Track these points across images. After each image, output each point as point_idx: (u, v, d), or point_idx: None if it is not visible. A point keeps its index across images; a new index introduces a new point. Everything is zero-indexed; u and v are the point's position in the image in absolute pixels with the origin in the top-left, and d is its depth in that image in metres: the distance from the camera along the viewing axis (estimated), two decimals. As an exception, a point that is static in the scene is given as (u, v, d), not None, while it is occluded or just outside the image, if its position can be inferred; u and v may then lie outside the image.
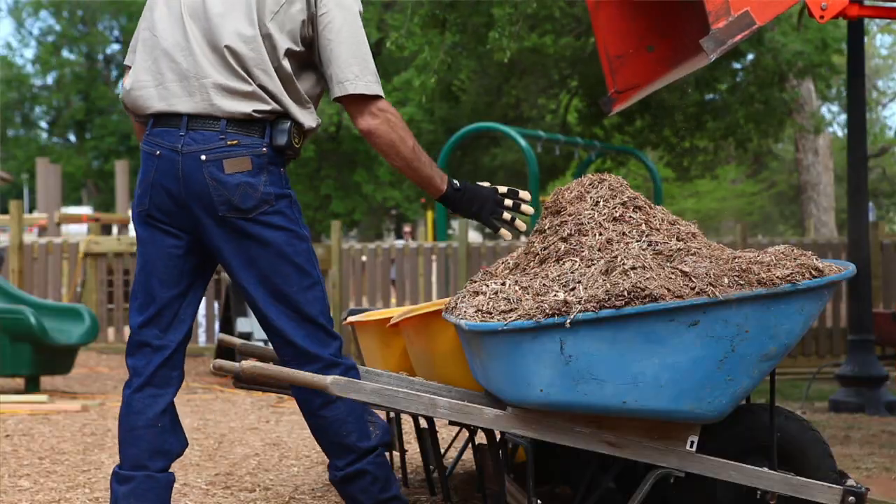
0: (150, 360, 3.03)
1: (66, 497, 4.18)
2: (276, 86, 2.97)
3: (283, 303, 3.00)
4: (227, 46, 2.95)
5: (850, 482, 3.08)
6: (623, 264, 2.90)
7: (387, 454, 3.31)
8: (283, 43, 2.97)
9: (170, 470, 3.06)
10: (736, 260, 2.94)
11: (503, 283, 3.02)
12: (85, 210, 26.68)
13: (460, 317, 2.97)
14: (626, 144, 14.75)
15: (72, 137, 43.07)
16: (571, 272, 2.96)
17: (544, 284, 2.94)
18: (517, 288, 2.97)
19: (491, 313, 2.91)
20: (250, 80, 2.95)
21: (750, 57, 13.46)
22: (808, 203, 18.81)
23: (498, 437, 3.51)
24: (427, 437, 3.96)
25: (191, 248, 3.04)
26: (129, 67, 3.12)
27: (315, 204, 24.31)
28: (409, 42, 10.86)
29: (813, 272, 2.90)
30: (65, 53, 42.36)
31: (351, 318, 4.30)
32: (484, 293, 3.01)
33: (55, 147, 41.27)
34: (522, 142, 12.81)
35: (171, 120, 2.98)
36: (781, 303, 2.85)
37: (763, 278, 2.85)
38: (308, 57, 3.04)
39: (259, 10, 2.97)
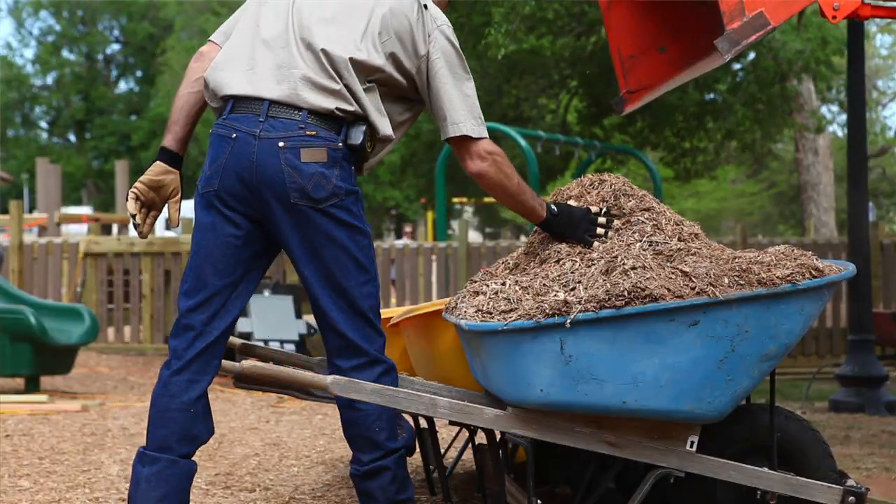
0: (192, 344, 3.05)
1: (66, 497, 4.18)
2: (361, 92, 3.03)
3: (339, 295, 3.04)
4: (323, 49, 3.02)
5: (850, 482, 3.08)
6: (623, 264, 2.90)
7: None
8: (384, 67, 3.06)
9: (193, 458, 3.09)
10: (736, 260, 2.94)
11: (503, 283, 3.02)
12: (85, 210, 26.71)
13: (460, 317, 2.98)
14: (626, 144, 14.74)
15: (72, 137, 43.09)
16: (571, 272, 2.96)
17: (544, 284, 2.95)
18: (517, 288, 2.97)
19: (491, 313, 2.91)
20: (338, 80, 3.01)
21: (750, 56, 13.46)
22: (808, 203, 18.81)
23: (498, 437, 3.51)
24: (427, 437, 3.96)
25: (250, 239, 3.07)
26: (215, 43, 3.21)
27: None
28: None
29: (813, 272, 2.90)
30: (65, 53, 42.37)
31: (351, 318, 4.29)
32: (484, 293, 3.01)
33: (55, 147, 41.29)
34: (522, 142, 12.81)
35: (251, 105, 3.03)
36: (781, 303, 2.85)
37: (763, 278, 2.85)
38: (403, 90, 3.13)
39: (369, 31, 3.06)
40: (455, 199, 19.22)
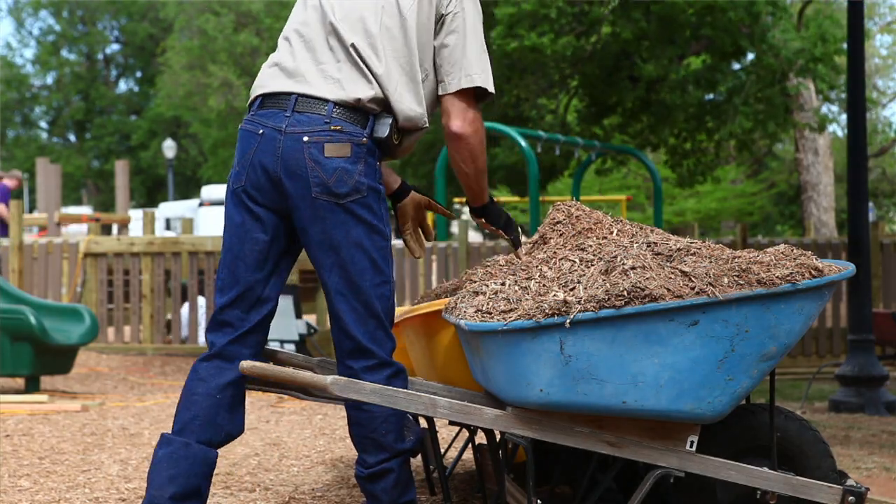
0: (226, 336, 3.11)
1: (66, 497, 4.18)
2: (383, 73, 3.03)
3: (353, 294, 3.05)
4: (342, 32, 3.04)
5: (850, 482, 3.08)
6: (623, 264, 2.90)
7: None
8: (410, 37, 3.06)
9: (217, 449, 3.11)
10: (736, 260, 2.94)
11: (503, 283, 3.02)
12: (85, 210, 26.71)
13: (460, 317, 2.98)
14: (626, 144, 14.73)
15: (72, 137, 43.10)
16: (571, 272, 2.96)
17: (544, 284, 2.95)
18: (517, 288, 2.97)
19: (491, 313, 2.91)
20: (364, 69, 3.03)
21: (750, 56, 13.45)
22: (808, 203, 18.80)
23: (498, 437, 3.51)
24: (427, 437, 3.96)
25: (276, 235, 3.11)
26: None
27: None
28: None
29: (813, 272, 2.90)
30: (65, 53, 42.39)
31: (351, 318, 4.29)
32: (484, 293, 3.01)
33: (55, 147, 41.31)
34: (522, 142, 12.81)
35: (279, 100, 3.06)
36: (781, 302, 2.85)
37: (763, 278, 2.85)
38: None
39: (391, 7, 3.07)
40: (455, 200, 19.22)
